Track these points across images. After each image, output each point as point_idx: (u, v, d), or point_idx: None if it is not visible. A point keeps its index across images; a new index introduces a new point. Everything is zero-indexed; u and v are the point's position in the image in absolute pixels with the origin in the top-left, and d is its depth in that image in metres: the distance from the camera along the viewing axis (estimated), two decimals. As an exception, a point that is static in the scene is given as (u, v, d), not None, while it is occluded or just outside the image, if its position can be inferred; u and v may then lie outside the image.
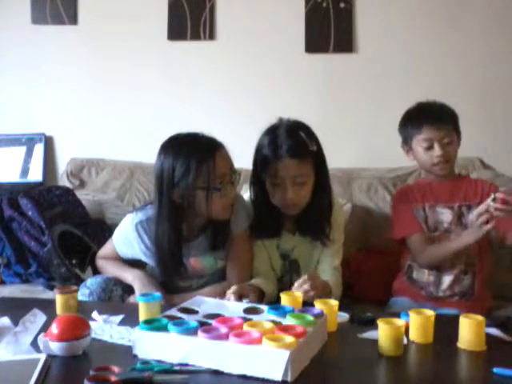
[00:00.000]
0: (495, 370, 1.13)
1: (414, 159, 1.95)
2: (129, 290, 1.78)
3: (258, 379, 1.09)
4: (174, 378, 1.09)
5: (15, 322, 1.36)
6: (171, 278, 1.79)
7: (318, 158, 1.75)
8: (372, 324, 1.37)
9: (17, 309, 1.47)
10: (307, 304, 1.44)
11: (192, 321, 1.24)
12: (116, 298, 1.77)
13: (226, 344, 1.13)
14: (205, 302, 1.44)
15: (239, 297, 1.54)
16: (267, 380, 1.09)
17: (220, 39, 2.84)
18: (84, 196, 2.61)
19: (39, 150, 2.90)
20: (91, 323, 1.30)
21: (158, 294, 1.48)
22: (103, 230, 2.46)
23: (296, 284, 1.56)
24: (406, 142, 1.94)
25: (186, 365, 1.14)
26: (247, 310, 1.35)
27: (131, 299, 1.74)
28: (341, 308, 1.41)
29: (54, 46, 2.94)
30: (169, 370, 1.12)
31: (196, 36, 2.83)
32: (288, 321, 1.25)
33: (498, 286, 2.00)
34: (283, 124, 1.76)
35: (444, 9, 2.71)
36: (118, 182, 2.70)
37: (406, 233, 1.93)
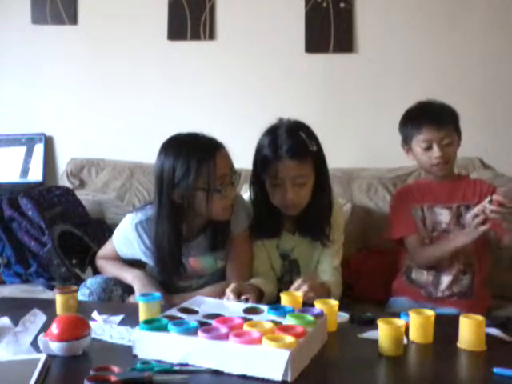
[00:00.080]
0: (495, 370, 1.13)
1: (414, 159, 1.95)
2: (129, 290, 1.78)
3: (257, 379, 1.09)
4: (174, 378, 1.09)
5: (15, 322, 1.36)
6: (171, 278, 1.79)
7: (318, 159, 1.75)
8: (372, 324, 1.37)
9: (17, 309, 1.47)
10: (307, 304, 1.45)
11: (192, 321, 1.24)
12: (116, 298, 1.77)
13: (226, 344, 1.13)
14: (205, 302, 1.44)
15: (238, 295, 1.54)
16: (267, 380, 1.09)
17: (220, 39, 2.84)
18: (84, 196, 2.61)
19: (39, 150, 2.90)
20: (91, 323, 1.31)
21: (157, 294, 1.48)
22: (103, 229, 2.46)
23: (293, 287, 1.55)
24: (406, 142, 1.94)
25: (186, 365, 1.14)
26: (247, 310, 1.35)
27: (131, 299, 1.74)
28: (341, 308, 1.41)
29: (53, 46, 2.94)
30: (169, 369, 1.12)
31: (196, 36, 2.83)
32: (288, 321, 1.25)
33: (497, 286, 2.00)
34: (283, 124, 1.76)
35: (444, 9, 2.71)
36: (117, 182, 2.70)
37: (404, 233, 1.93)
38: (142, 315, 1.40)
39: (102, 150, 2.87)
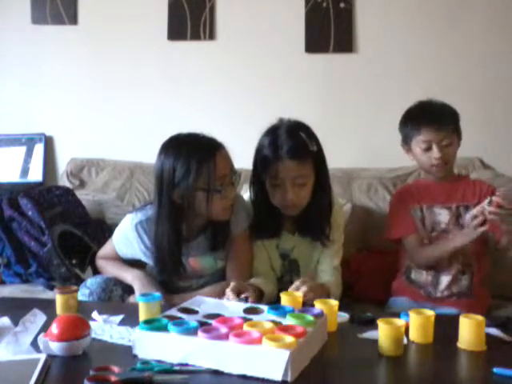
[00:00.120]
0: (495, 370, 1.13)
1: (414, 159, 1.95)
2: (129, 290, 1.78)
3: (257, 379, 1.09)
4: (174, 378, 1.09)
5: (15, 322, 1.36)
6: (170, 278, 1.79)
7: (318, 159, 1.75)
8: (372, 324, 1.37)
9: (17, 309, 1.47)
10: (307, 304, 1.45)
11: (192, 321, 1.24)
12: (116, 298, 1.77)
13: (226, 344, 1.13)
14: (205, 302, 1.44)
15: (238, 293, 1.54)
16: (267, 380, 1.09)
17: (220, 39, 2.84)
18: (84, 196, 2.61)
19: (39, 150, 2.90)
20: (91, 323, 1.31)
21: (157, 294, 1.48)
22: (103, 229, 2.46)
23: (291, 288, 1.55)
24: (406, 142, 1.93)
25: (186, 365, 1.14)
26: (247, 310, 1.35)
27: (131, 299, 1.74)
28: (341, 308, 1.41)
29: (53, 46, 2.94)
30: (169, 369, 1.12)
31: (196, 36, 2.83)
32: (288, 321, 1.25)
33: (497, 286, 2.00)
34: (283, 124, 1.76)
35: (444, 9, 2.71)
36: (118, 182, 2.70)
37: (402, 233, 1.94)
38: (142, 315, 1.40)
39: (102, 150, 2.87)
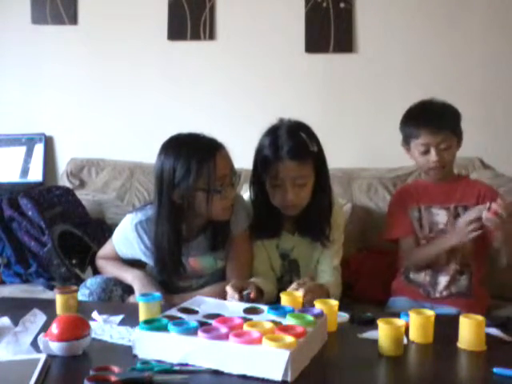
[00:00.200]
0: (495, 369, 1.13)
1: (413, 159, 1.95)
2: (129, 290, 1.78)
3: (257, 379, 1.09)
4: (174, 378, 1.09)
5: (15, 322, 1.36)
6: (170, 278, 1.79)
7: (318, 159, 1.75)
8: (372, 324, 1.37)
9: (17, 309, 1.47)
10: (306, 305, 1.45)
11: (192, 321, 1.24)
12: (116, 298, 1.77)
13: (226, 344, 1.13)
14: (205, 302, 1.44)
15: (240, 290, 1.53)
16: (267, 380, 1.09)
17: (220, 39, 2.84)
18: (84, 196, 2.61)
19: (39, 150, 2.90)
20: (91, 323, 1.31)
21: (157, 294, 1.48)
22: (103, 229, 2.46)
23: (289, 289, 1.54)
24: (407, 142, 1.93)
25: (186, 365, 1.14)
26: (247, 310, 1.35)
27: (131, 299, 1.74)
28: (341, 308, 1.41)
29: (53, 46, 2.94)
30: (169, 369, 1.12)
31: (196, 36, 2.83)
32: (288, 321, 1.25)
33: (496, 286, 2.00)
34: (284, 124, 1.76)
35: (444, 9, 2.71)
36: (117, 182, 2.70)
37: (398, 234, 1.95)
38: (142, 315, 1.40)
39: (102, 150, 2.87)
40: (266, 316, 1.30)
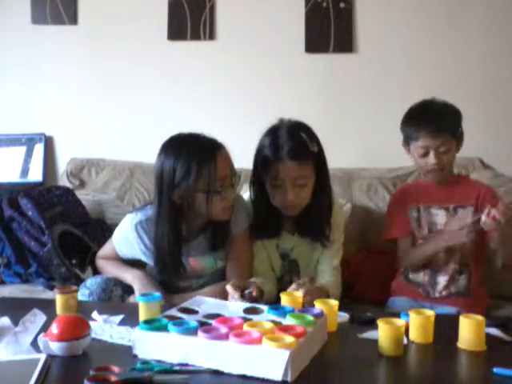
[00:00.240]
0: (495, 370, 1.13)
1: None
2: (129, 290, 1.78)
3: (258, 379, 1.09)
4: (174, 378, 1.09)
5: (15, 322, 1.36)
6: (170, 278, 1.79)
7: (318, 159, 1.75)
8: (372, 324, 1.37)
9: (17, 309, 1.47)
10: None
11: (192, 321, 1.24)
12: (116, 298, 1.77)
13: (226, 344, 1.13)
14: (205, 302, 1.44)
15: (241, 290, 1.53)
16: (267, 380, 1.09)
17: (220, 39, 2.84)
18: (84, 196, 2.60)
19: (39, 150, 2.90)
20: (91, 323, 1.31)
21: (157, 294, 1.48)
22: (103, 229, 2.45)
23: (289, 289, 1.54)
24: (407, 142, 1.93)
25: (186, 365, 1.15)
26: (247, 310, 1.35)
27: (131, 299, 1.74)
28: (341, 308, 1.41)
29: (53, 46, 2.94)
30: (169, 369, 1.12)
31: (196, 36, 2.83)
32: (288, 321, 1.25)
33: (496, 286, 2.00)
34: (284, 125, 1.76)
35: (444, 9, 2.71)
36: (117, 182, 2.70)
37: (397, 234, 1.95)
38: (142, 315, 1.40)
39: (102, 150, 2.87)
40: (266, 316, 1.30)
